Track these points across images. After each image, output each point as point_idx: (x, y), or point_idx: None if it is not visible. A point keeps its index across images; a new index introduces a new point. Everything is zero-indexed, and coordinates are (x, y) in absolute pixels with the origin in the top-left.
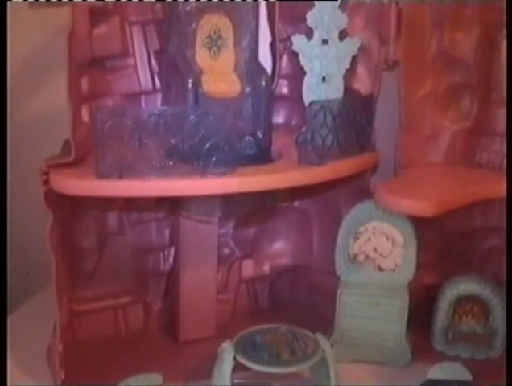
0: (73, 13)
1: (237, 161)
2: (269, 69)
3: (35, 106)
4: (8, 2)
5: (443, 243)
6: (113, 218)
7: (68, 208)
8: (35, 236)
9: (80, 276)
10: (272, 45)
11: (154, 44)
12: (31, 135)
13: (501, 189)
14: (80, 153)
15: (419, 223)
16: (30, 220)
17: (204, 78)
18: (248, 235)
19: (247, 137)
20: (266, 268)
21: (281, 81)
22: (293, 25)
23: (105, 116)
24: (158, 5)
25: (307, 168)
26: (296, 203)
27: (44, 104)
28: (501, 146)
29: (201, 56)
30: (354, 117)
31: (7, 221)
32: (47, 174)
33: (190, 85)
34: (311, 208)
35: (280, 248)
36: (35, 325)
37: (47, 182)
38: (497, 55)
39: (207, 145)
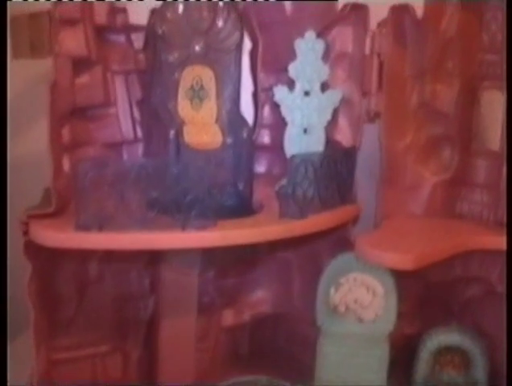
0: (56, 63)
1: (217, 213)
2: (251, 119)
3: (16, 153)
4: (8, 2)
5: (423, 292)
6: (93, 266)
7: (47, 258)
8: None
9: (58, 324)
10: (254, 95)
11: (137, 94)
12: (11, 182)
13: (481, 241)
14: (60, 203)
15: (399, 273)
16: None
17: (185, 129)
18: (228, 283)
19: (228, 189)
20: (247, 316)
21: (262, 131)
22: (275, 75)
23: (85, 168)
24: (141, 54)
25: (289, 221)
26: (277, 253)
27: (25, 151)
28: (481, 197)
29: (183, 107)
30: (336, 169)
31: None
32: (26, 224)
33: (171, 136)
34: (292, 258)
35: (261, 297)
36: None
37: (26, 232)
38: (478, 106)
39: (188, 199)
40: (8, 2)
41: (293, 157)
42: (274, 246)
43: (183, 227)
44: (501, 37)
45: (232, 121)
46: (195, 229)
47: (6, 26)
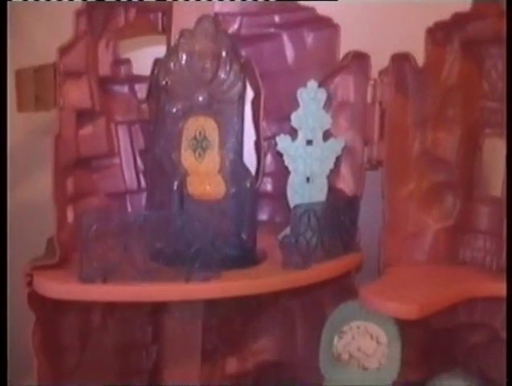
0: (60, 115)
1: (221, 264)
2: (253, 167)
3: (19, 202)
4: (8, 2)
5: (427, 339)
6: (96, 315)
7: (51, 308)
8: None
9: (62, 373)
10: (257, 143)
11: (140, 144)
12: (14, 232)
13: (485, 288)
14: (64, 254)
15: (402, 321)
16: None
17: (189, 179)
18: (232, 331)
19: (232, 239)
20: (250, 364)
21: (265, 179)
22: (278, 124)
23: (89, 220)
24: (145, 105)
25: (292, 271)
26: (281, 301)
27: (29, 201)
28: (484, 243)
29: (186, 158)
30: (338, 218)
31: None
32: (30, 275)
33: (175, 187)
34: (296, 306)
35: (264, 345)
36: None
37: (30, 283)
38: (479, 153)
39: (191, 251)
40: (8, 2)
41: (296, 207)
42: (277, 294)
43: (187, 279)
44: (501, 85)
45: (235, 171)
46: (198, 281)
47: (6, 27)
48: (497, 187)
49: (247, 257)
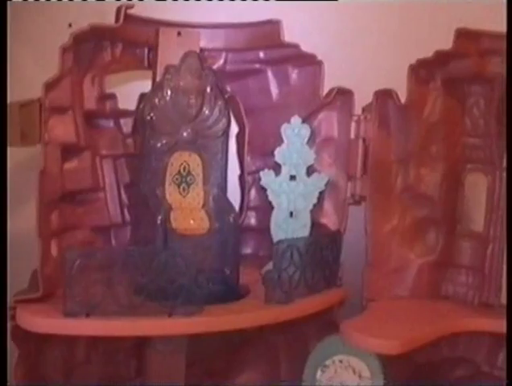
0: (45, 150)
1: (204, 299)
2: (238, 202)
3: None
4: (8, 2)
5: (410, 374)
6: (80, 349)
7: (34, 341)
8: None
9: None
10: (241, 178)
11: (125, 178)
12: None
13: (467, 323)
14: (48, 287)
15: (385, 356)
16: None
17: (173, 214)
18: (216, 365)
19: (215, 275)
20: None
21: (249, 213)
22: (262, 159)
23: (73, 255)
24: (130, 139)
25: (275, 306)
26: (265, 335)
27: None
28: (466, 278)
29: (171, 192)
30: (321, 253)
31: None
32: (13, 309)
33: (159, 222)
34: (280, 340)
35: (248, 379)
36: None
37: (13, 317)
38: (462, 189)
39: (174, 286)
40: (8, 2)
41: (279, 242)
42: (261, 329)
43: (170, 314)
44: (483, 122)
45: (218, 206)
46: (181, 316)
47: (6, 27)
48: (480, 223)
49: (230, 292)
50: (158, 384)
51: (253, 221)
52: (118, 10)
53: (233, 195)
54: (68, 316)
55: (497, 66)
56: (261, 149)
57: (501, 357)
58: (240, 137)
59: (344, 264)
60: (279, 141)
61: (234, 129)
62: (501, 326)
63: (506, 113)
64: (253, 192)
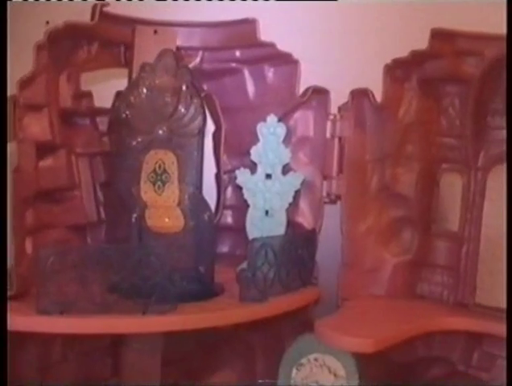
0: (20, 148)
1: (178, 297)
2: (213, 200)
3: None
4: (8, 1)
5: (386, 373)
6: (55, 348)
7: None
8: None
9: None
10: (217, 177)
11: (101, 176)
12: None
13: (442, 322)
14: (22, 286)
15: (361, 354)
16: None
17: (148, 213)
18: (192, 364)
19: (190, 273)
20: None
21: (226, 212)
22: (238, 158)
23: (47, 253)
24: (106, 137)
25: (249, 304)
26: (241, 334)
27: None
28: (441, 278)
29: (146, 191)
30: (296, 252)
31: None
32: None
33: (133, 220)
34: (256, 339)
35: (225, 378)
36: None
37: None
38: (437, 189)
39: (148, 284)
40: (8, 2)
41: (253, 241)
42: (237, 328)
43: (144, 312)
44: (458, 122)
45: (194, 204)
46: (155, 314)
47: (6, 27)
48: (455, 222)
49: (205, 291)
50: (134, 383)
51: (229, 220)
52: (94, 8)
53: (210, 193)
54: (42, 314)
55: (473, 66)
56: (237, 148)
57: (476, 356)
58: (216, 135)
59: (320, 263)
60: (255, 139)
61: (211, 127)
62: (475, 325)
63: (506, 113)
64: (229, 191)
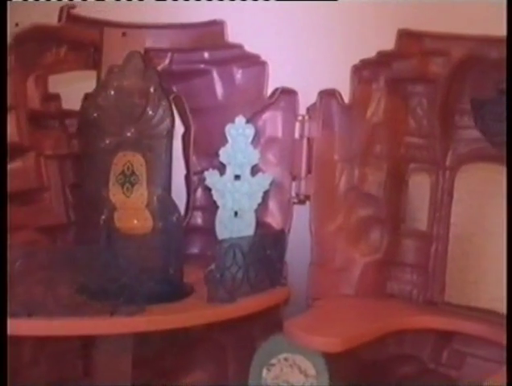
0: None
1: (147, 298)
2: (183, 201)
3: None
4: (8, 1)
5: (357, 371)
6: (26, 350)
7: None
8: None
9: None
10: (187, 178)
11: (70, 178)
12: None
13: (412, 320)
14: None
15: (331, 354)
16: None
17: (116, 214)
18: (164, 365)
19: (158, 274)
20: None
21: (196, 213)
22: (207, 159)
23: (15, 255)
24: (75, 140)
25: (218, 305)
26: (212, 335)
27: None
28: (411, 276)
29: (114, 192)
30: (265, 252)
31: None
32: None
33: (102, 222)
34: (227, 340)
35: (196, 379)
36: None
37: None
38: (405, 188)
39: (116, 285)
40: (8, 2)
41: (221, 241)
42: (209, 328)
43: (112, 314)
44: (426, 122)
45: (162, 206)
46: (123, 315)
47: (6, 26)
48: (424, 221)
49: (174, 292)
50: (105, 384)
51: (199, 221)
52: (61, 10)
53: (180, 195)
54: (10, 316)
55: (440, 66)
56: (206, 149)
57: (446, 354)
58: (185, 137)
59: (290, 263)
60: (224, 141)
61: (180, 129)
62: (444, 322)
63: (506, 113)
64: (199, 192)
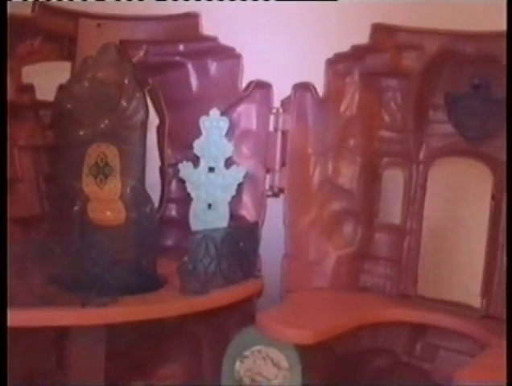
0: None
1: (119, 290)
2: (157, 193)
3: None
4: (8, 1)
5: (331, 364)
6: None
7: None
8: None
9: None
10: (161, 170)
11: (44, 169)
12: None
13: (385, 313)
14: None
15: (305, 346)
16: None
17: (90, 206)
18: (138, 357)
19: (132, 265)
20: None
21: (170, 205)
22: (182, 151)
23: None
24: (50, 131)
25: (190, 296)
26: (187, 327)
27: None
28: (384, 270)
29: (88, 184)
30: (238, 245)
31: None
32: None
33: (75, 213)
34: (201, 332)
35: (171, 370)
36: None
37: None
38: (379, 182)
39: (88, 276)
40: (8, 2)
41: (194, 233)
42: (183, 320)
43: (83, 305)
44: (400, 116)
45: (135, 197)
46: (95, 306)
47: (6, 26)
48: (397, 215)
49: (147, 283)
50: (79, 376)
51: (174, 213)
52: (35, 0)
53: (154, 187)
54: None
55: (414, 60)
56: (181, 142)
57: (419, 347)
58: (160, 129)
59: (263, 255)
60: (199, 133)
61: (155, 121)
62: (418, 316)
63: (506, 113)
64: (173, 184)
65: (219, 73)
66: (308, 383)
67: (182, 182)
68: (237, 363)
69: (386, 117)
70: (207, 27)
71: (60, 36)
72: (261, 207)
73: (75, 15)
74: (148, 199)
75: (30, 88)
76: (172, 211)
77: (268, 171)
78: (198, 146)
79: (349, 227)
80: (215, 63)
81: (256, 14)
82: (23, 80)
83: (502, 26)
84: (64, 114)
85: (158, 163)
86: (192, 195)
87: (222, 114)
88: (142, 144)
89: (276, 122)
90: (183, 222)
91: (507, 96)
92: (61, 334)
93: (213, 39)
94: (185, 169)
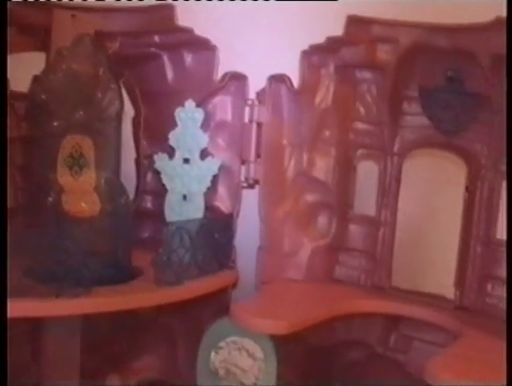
0: None
1: (94, 281)
2: (133, 185)
3: None
4: (8, 1)
5: (305, 356)
6: None
7: None
8: None
9: None
10: (137, 161)
11: (19, 161)
12: None
13: (359, 304)
14: None
15: (279, 337)
16: None
17: (64, 197)
18: (113, 349)
19: (106, 256)
20: (132, 382)
21: (146, 197)
22: (158, 143)
23: None
24: (24, 123)
25: (165, 287)
26: (161, 318)
27: None
28: (359, 262)
29: (62, 175)
30: (212, 236)
31: None
32: None
33: (49, 204)
34: (176, 323)
35: (146, 363)
36: None
37: None
38: (354, 174)
39: (61, 268)
40: (8, 2)
41: (168, 224)
42: (158, 312)
43: (57, 296)
44: (375, 108)
45: (110, 188)
46: (68, 297)
47: (6, 26)
48: (371, 207)
49: (121, 274)
50: (54, 368)
51: (149, 205)
52: None
53: (130, 178)
54: None
55: (388, 53)
56: (157, 133)
57: (393, 338)
58: (136, 120)
59: (238, 247)
60: (174, 124)
61: (131, 112)
62: (392, 307)
63: (506, 112)
64: (149, 176)
65: (194, 65)
66: (283, 373)
67: (157, 173)
68: (213, 354)
69: (361, 109)
70: (182, 19)
71: (35, 27)
72: (236, 198)
73: (49, 6)
74: (123, 190)
75: None
76: (148, 202)
77: (243, 163)
78: (173, 138)
79: (324, 218)
80: (190, 55)
81: (232, 6)
82: None
83: (477, 18)
84: (38, 105)
85: (133, 155)
86: (167, 186)
87: (197, 106)
88: (117, 135)
89: (251, 114)
90: (158, 213)
91: (507, 95)
92: (35, 327)
93: (189, 31)
94: (160, 160)
